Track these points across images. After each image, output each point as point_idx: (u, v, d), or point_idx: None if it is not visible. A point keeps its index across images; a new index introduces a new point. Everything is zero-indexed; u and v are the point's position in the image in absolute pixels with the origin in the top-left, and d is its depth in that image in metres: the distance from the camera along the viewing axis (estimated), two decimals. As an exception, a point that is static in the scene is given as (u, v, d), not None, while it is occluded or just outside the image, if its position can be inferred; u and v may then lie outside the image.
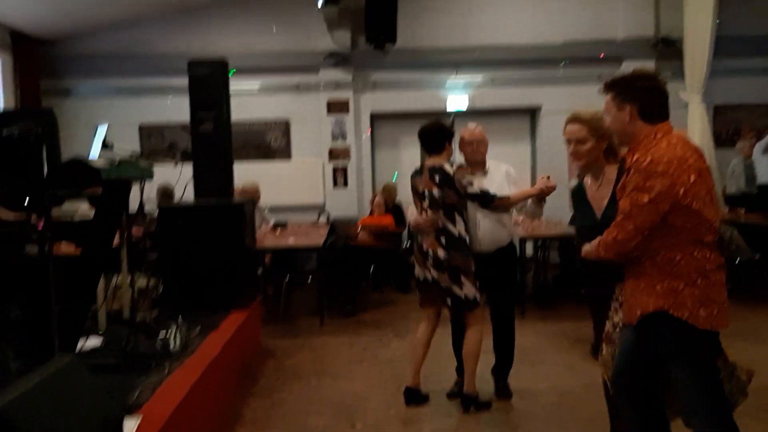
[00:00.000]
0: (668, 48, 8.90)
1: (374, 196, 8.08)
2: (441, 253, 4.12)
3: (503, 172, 4.43)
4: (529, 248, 7.47)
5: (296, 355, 5.58)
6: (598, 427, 3.62)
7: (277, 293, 7.15)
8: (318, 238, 7.02)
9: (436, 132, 4.30)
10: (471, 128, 4.42)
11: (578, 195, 3.35)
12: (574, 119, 3.20)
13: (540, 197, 4.05)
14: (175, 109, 8.69)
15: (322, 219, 8.61)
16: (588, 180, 3.32)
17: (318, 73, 8.95)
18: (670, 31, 8.93)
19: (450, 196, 4.14)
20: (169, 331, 4.39)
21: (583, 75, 8.78)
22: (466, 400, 4.28)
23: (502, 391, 4.50)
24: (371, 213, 8.11)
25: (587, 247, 2.80)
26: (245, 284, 5.41)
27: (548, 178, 4.00)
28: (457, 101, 9.09)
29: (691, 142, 2.64)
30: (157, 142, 8.93)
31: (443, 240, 4.13)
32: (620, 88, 2.66)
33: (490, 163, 4.44)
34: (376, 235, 7.72)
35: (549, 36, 8.95)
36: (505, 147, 9.43)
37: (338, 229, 8.23)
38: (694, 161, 2.50)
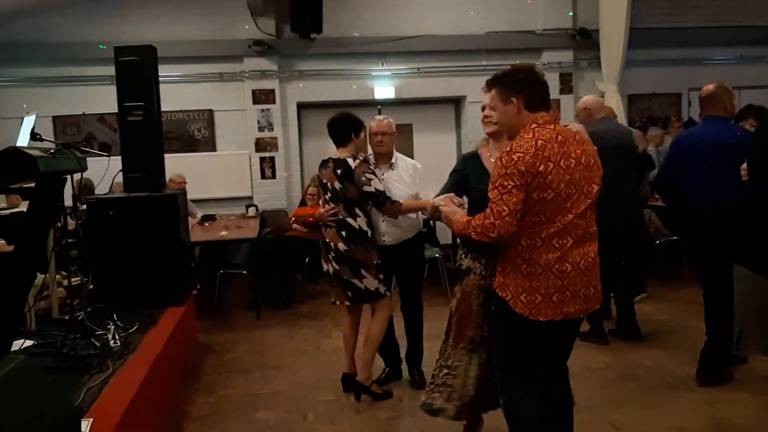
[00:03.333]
0: (586, 39, 9.21)
1: (308, 187, 7.98)
2: (341, 246, 4.09)
3: (410, 168, 4.40)
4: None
5: (236, 350, 5.46)
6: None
7: (210, 288, 6.96)
8: (251, 230, 6.90)
9: (341, 124, 4.24)
10: (378, 120, 4.38)
11: (473, 162, 3.51)
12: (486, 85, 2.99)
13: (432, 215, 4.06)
14: (92, 99, 8.31)
15: (252, 211, 8.44)
16: (486, 150, 3.49)
17: (242, 62, 8.74)
18: (587, 22, 9.23)
19: (351, 190, 4.09)
20: (107, 329, 4.20)
21: (505, 66, 8.94)
22: (357, 388, 4.26)
23: (416, 378, 4.47)
24: (302, 203, 8.01)
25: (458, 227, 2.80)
26: (181, 279, 5.24)
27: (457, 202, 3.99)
28: (384, 91, 9.10)
29: (565, 132, 2.66)
30: (72, 134, 8.48)
31: (344, 233, 4.10)
32: (505, 82, 2.72)
33: (398, 157, 4.42)
34: (310, 226, 7.63)
35: (472, 27, 9.07)
36: (432, 136, 9.56)
37: (268, 221, 8.09)
38: (553, 153, 2.54)
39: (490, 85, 2.79)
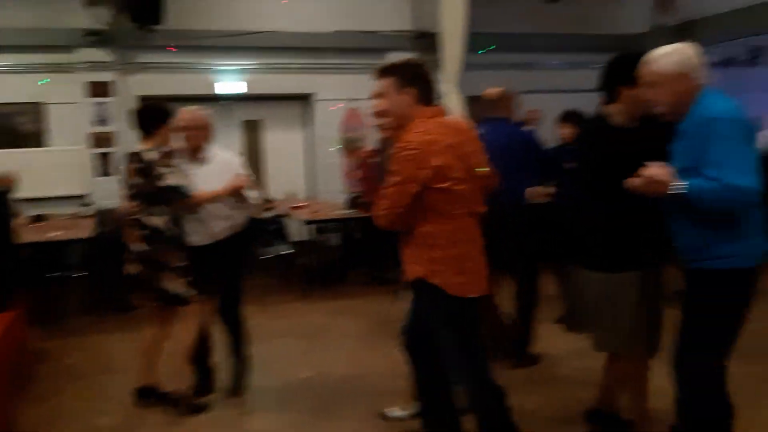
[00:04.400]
0: (427, 41, 9.57)
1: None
2: (142, 246, 3.83)
3: (226, 162, 4.10)
4: (306, 232, 7.61)
5: (73, 355, 5.16)
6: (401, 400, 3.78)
7: (45, 292, 6.50)
8: (84, 230, 6.51)
9: (147, 113, 3.94)
10: (189, 110, 4.04)
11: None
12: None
13: (234, 194, 3.96)
14: None
15: (86, 210, 7.94)
16: None
17: (75, 52, 8.21)
18: (428, 24, 9.60)
19: (148, 185, 3.80)
20: None
21: (353, 64, 9.11)
22: (154, 397, 4.06)
23: (235, 392, 4.25)
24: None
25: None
26: (10, 282, 4.85)
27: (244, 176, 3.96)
28: (229, 86, 8.93)
29: (453, 123, 2.88)
30: None
31: (144, 232, 3.82)
32: (401, 73, 2.80)
33: (215, 152, 4.10)
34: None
35: (321, 24, 9.14)
36: (282, 134, 9.52)
37: (106, 220, 7.67)
38: (446, 145, 2.70)
39: (384, 73, 2.82)
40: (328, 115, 9.17)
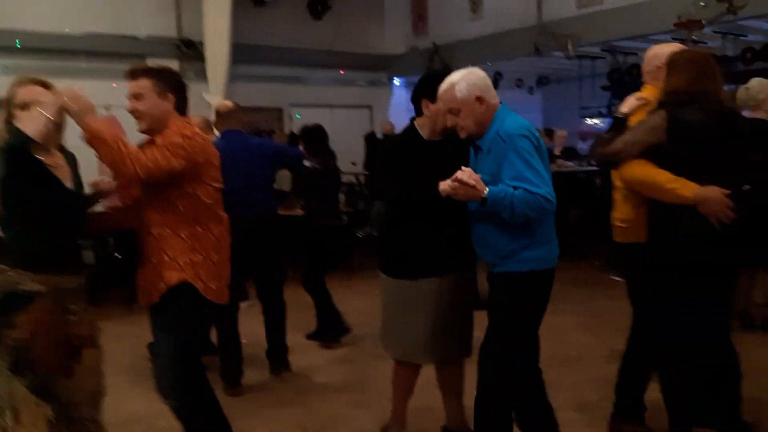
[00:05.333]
0: (191, 50, 9.27)
1: None
2: None
3: None
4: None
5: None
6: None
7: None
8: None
9: None
10: None
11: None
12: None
13: None
14: None
15: None
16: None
17: None
18: (191, 33, 9.30)
19: None
20: None
21: (106, 69, 8.49)
22: None
23: None
24: None
25: None
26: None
27: None
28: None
29: (202, 131, 2.86)
30: None
31: None
32: (162, 78, 2.74)
33: None
34: None
35: (71, 26, 8.42)
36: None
37: None
38: (204, 147, 2.70)
39: (142, 74, 2.71)
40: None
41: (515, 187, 2.63)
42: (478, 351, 2.91)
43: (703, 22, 7.01)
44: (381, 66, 11.61)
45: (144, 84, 2.69)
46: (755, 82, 4.60)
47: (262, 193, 4.45)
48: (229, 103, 4.65)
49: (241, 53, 9.27)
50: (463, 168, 2.63)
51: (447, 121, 2.84)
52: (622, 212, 3.21)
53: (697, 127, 2.81)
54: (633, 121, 3.05)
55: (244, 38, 9.50)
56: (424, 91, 3.04)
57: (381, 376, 4.40)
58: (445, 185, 2.67)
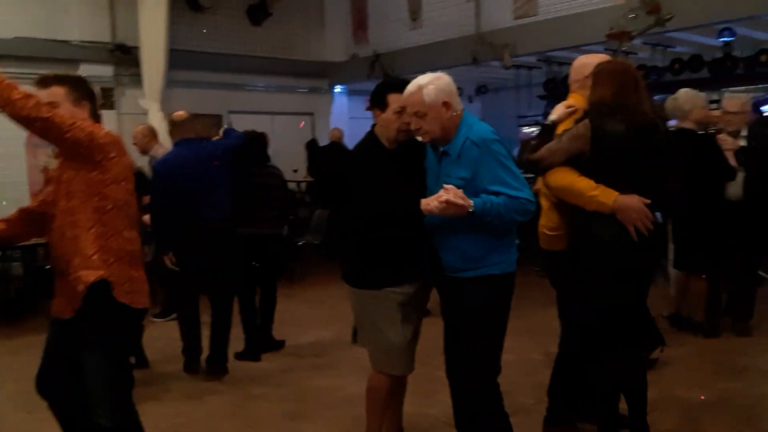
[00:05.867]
0: (126, 55, 9.05)
1: None
2: None
3: None
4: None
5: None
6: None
7: None
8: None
9: None
10: None
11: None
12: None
13: None
14: None
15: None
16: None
17: None
18: (127, 38, 9.07)
19: None
20: None
21: (37, 75, 8.21)
22: None
23: None
24: None
25: None
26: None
27: None
28: None
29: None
30: None
31: None
32: (75, 85, 2.71)
33: None
34: None
35: (1, 30, 8.10)
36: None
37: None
38: (109, 142, 2.62)
39: (54, 81, 2.67)
40: (9, 130, 8.12)
41: (497, 193, 2.67)
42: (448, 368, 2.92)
43: (633, 33, 7.25)
44: (322, 73, 11.59)
45: (58, 92, 2.65)
46: (682, 93, 4.78)
47: (224, 193, 4.64)
48: (182, 113, 4.74)
49: (179, 59, 9.10)
50: (445, 186, 2.64)
51: (411, 124, 2.80)
52: (548, 220, 3.27)
53: (617, 138, 2.91)
54: (561, 128, 3.12)
55: (182, 44, 9.34)
56: (374, 100, 3.01)
57: (319, 387, 4.41)
58: (430, 205, 2.65)
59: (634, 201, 2.88)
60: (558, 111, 3.22)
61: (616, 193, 2.89)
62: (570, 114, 3.17)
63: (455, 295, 2.86)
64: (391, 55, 10.12)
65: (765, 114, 9.08)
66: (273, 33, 10.86)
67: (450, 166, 2.79)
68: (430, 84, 2.75)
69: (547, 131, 3.15)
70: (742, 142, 4.89)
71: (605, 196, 2.89)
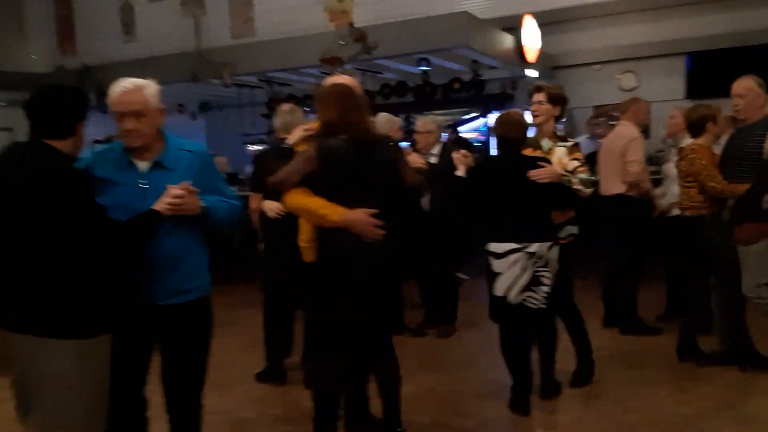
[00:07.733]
0: None
1: None
2: None
3: None
4: None
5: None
6: None
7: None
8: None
9: None
10: None
11: None
12: None
13: None
14: None
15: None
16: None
17: None
18: None
19: None
20: None
21: None
22: None
23: None
24: None
25: None
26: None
27: None
28: None
29: None
30: None
31: None
32: None
33: None
34: None
35: None
36: None
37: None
38: None
39: None
40: None
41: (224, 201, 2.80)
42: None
43: (344, 59, 7.74)
44: (23, 85, 10.50)
45: None
46: (380, 117, 5.23)
47: None
48: None
49: None
50: (171, 186, 2.56)
51: (123, 125, 2.59)
52: (306, 233, 3.32)
53: (339, 155, 3.08)
54: (299, 149, 3.26)
55: None
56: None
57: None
58: (166, 205, 2.52)
59: (359, 215, 3.07)
60: (295, 134, 3.38)
61: (343, 209, 3.06)
62: (307, 137, 3.32)
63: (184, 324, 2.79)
64: (104, 69, 9.48)
65: (461, 135, 10.30)
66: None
67: (164, 178, 2.62)
68: (150, 86, 2.65)
69: (286, 154, 3.29)
70: (433, 160, 5.39)
71: (334, 213, 3.06)
